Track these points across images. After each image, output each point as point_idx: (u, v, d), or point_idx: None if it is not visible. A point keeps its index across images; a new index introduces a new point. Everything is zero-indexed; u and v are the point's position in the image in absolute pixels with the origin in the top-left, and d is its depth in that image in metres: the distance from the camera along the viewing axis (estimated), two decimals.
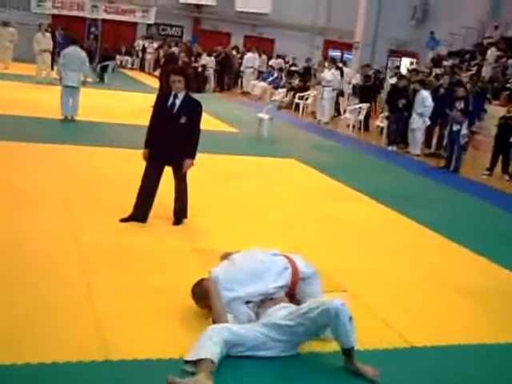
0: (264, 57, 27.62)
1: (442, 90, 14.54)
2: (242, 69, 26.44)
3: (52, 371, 3.66)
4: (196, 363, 3.75)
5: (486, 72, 20.80)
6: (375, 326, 4.68)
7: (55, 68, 17.50)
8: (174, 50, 24.05)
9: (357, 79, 19.70)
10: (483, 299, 5.61)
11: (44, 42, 19.40)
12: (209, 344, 3.81)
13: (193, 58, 24.41)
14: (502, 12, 25.98)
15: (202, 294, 4.44)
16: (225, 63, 25.79)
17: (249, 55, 26.59)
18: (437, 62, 23.47)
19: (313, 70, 23.25)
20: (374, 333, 4.53)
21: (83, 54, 13.28)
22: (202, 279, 4.55)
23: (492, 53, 21.86)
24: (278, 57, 27.71)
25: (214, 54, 25.70)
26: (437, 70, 21.10)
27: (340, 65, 22.08)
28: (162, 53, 24.80)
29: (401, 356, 4.37)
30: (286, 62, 26.79)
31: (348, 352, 3.96)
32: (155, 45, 28.80)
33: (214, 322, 4.22)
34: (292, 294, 4.51)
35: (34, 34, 20.00)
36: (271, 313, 4.18)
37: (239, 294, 4.33)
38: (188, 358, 3.80)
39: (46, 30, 20.37)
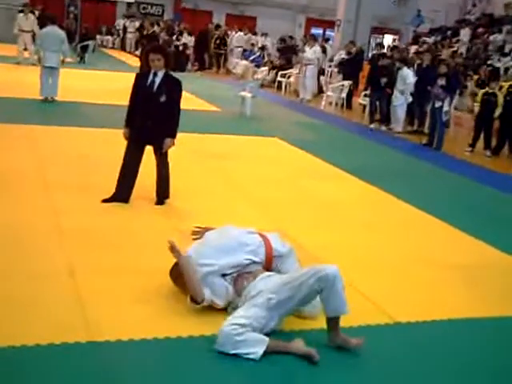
0: (249, 35, 27.39)
1: (424, 67, 14.52)
2: (231, 47, 26.25)
3: (36, 353, 3.64)
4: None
5: (462, 51, 20.70)
6: (358, 303, 4.68)
7: (32, 48, 17.34)
8: (156, 28, 23.82)
9: (341, 55, 19.65)
10: (466, 275, 5.65)
11: (26, 23, 19.06)
12: (252, 338, 3.81)
13: (174, 37, 24.18)
14: None
15: (179, 276, 4.45)
16: (203, 41, 25.59)
17: (238, 34, 26.39)
18: (419, 38, 23.42)
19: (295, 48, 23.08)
20: (356, 309, 4.51)
21: (62, 33, 13.08)
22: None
23: (466, 33, 21.72)
24: (263, 35, 27.42)
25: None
26: (412, 48, 20.99)
27: (324, 43, 22.01)
28: (144, 32, 24.50)
29: (384, 332, 4.39)
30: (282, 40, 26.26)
31: (335, 321, 3.99)
32: (137, 24, 28.51)
33: (192, 300, 4.23)
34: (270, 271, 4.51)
35: (10, 14, 19.68)
36: (257, 285, 4.16)
37: (213, 268, 4.33)
38: (260, 354, 3.78)
39: (31, 12, 20.05)
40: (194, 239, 4.79)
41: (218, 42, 25.39)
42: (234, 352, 3.78)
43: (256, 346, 3.79)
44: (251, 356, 3.77)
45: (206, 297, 4.23)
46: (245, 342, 3.79)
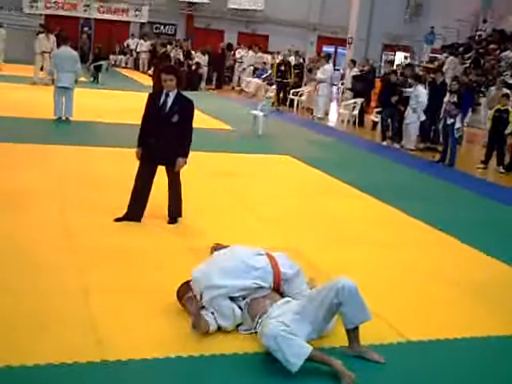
0: (260, 54, 27.53)
1: (437, 85, 14.53)
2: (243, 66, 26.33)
3: (48, 372, 3.66)
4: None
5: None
6: (371, 321, 4.65)
7: (44, 68, 17.57)
8: (168, 48, 23.96)
9: (354, 72, 19.71)
10: (479, 293, 5.61)
11: (46, 43, 19.31)
12: (295, 344, 3.79)
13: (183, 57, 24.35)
14: (495, 4, 25.98)
15: (185, 299, 4.48)
16: (221, 60, 25.75)
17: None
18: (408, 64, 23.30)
19: (306, 67, 23.06)
20: (369, 328, 4.50)
21: (75, 53, 13.22)
22: (185, 282, 4.56)
23: (451, 61, 21.51)
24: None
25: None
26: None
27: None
28: (157, 52, 24.63)
29: (397, 351, 4.37)
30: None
31: (356, 331, 4.07)
32: (148, 43, 28.78)
33: (194, 325, 4.22)
34: (279, 293, 4.51)
35: (27, 35, 19.92)
36: (275, 311, 4.16)
37: (220, 290, 4.33)
38: (298, 366, 3.75)
39: (50, 32, 20.29)
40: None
41: (282, 68, 19.94)
42: (275, 350, 3.75)
43: (297, 355, 3.75)
44: (289, 366, 3.74)
45: (211, 326, 4.22)
46: (289, 343, 3.76)
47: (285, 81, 19.74)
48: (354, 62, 19.75)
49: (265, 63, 24.90)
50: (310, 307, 4.04)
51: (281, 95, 20.05)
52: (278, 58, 24.34)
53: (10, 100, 14.89)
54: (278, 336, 3.75)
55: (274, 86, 22.16)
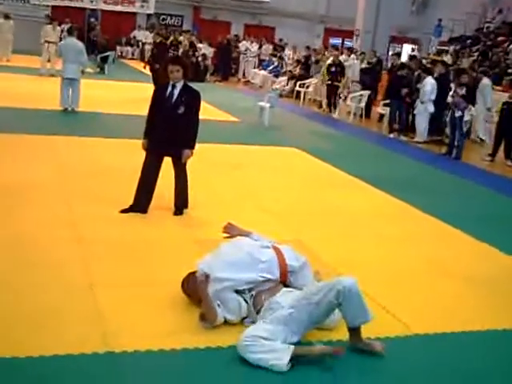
0: (266, 46, 27.45)
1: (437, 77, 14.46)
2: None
3: (53, 363, 3.65)
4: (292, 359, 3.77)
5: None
6: (377, 315, 4.63)
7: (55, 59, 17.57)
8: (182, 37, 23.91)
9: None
10: (486, 286, 5.58)
11: (53, 34, 19.40)
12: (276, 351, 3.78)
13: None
14: None
15: (191, 290, 4.46)
16: (227, 51, 25.74)
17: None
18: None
19: (314, 58, 22.96)
20: (375, 321, 4.46)
21: (80, 44, 13.22)
22: (191, 273, 4.54)
23: (448, 59, 21.33)
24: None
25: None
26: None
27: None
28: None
29: (403, 344, 4.35)
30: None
31: (357, 329, 4.03)
32: (150, 34, 28.76)
33: (202, 317, 4.23)
34: (285, 286, 4.49)
35: (34, 26, 19.95)
36: (277, 300, 4.15)
37: (226, 283, 4.31)
38: (286, 364, 3.75)
39: (58, 24, 20.37)
40: (226, 237, 4.84)
41: (332, 69, 17.87)
42: (257, 362, 3.75)
43: (281, 354, 3.75)
44: (276, 366, 3.72)
45: (219, 317, 4.22)
46: (267, 353, 3.75)
47: (336, 83, 17.78)
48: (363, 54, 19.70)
49: (282, 58, 24.58)
50: (307, 303, 3.99)
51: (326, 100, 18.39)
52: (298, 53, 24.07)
53: (16, 91, 14.86)
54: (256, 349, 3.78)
55: (280, 78, 22.11)
